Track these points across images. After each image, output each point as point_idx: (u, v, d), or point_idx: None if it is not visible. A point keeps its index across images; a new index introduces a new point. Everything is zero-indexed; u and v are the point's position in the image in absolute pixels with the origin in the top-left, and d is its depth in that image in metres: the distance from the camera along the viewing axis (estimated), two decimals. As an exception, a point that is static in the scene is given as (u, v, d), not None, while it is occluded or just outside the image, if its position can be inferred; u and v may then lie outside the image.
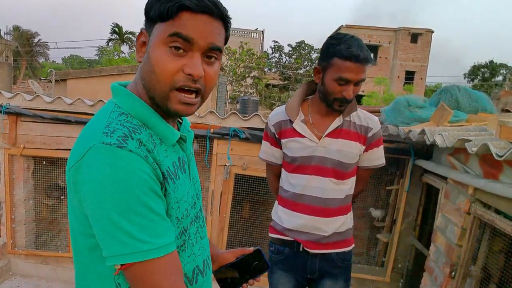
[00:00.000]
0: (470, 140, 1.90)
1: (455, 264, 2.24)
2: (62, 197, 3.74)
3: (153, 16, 0.81)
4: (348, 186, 1.77)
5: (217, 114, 3.37)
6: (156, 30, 0.81)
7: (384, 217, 3.49)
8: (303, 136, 1.72)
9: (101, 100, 3.39)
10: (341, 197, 1.75)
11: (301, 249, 1.76)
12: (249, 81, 26.16)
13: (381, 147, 1.82)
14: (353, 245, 1.85)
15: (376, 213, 3.48)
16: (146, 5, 0.83)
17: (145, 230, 0.75)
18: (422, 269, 2.70)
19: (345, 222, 1.78)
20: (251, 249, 1.18)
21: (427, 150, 3.05)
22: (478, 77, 43.75)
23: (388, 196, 3.47)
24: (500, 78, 41.20)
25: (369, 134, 1.74)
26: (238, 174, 3.41)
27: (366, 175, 1.88)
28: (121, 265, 0.75)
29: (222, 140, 3.32)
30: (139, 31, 0.87)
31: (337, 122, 1.71)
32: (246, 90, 25.94)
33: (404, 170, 3.25)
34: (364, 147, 1.75)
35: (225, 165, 3.35)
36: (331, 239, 1.75)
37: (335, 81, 1.57)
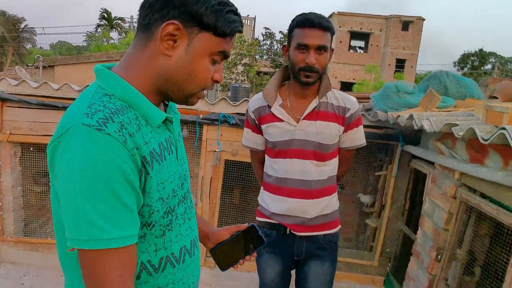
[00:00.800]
0: (457, 125, 1.92)
1: (441, 248, 2.28)
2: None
3: (206, 24, 0.83)
4: (330, 167, 1.78)
5: (206, 100, 3.35)
6: (205, 39, 0.85)
7: (373, 203, 3.53)
8: (281, 120, 1.73)
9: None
10: (323, 178, 1.76)
11: (287, 232, 1.77)
12: (240, 68, 26.02)
13: (361, 127, 1.83)
14: (339, 226, 1.87)
15: (365, 198, 3.52)
16: (194, 2, 0.81)
17: (106, 218, 0.73)
18: (409, 253, 2.75)
19: (329, 203, 1.79)
20: (246, 225, 1.19)
21: (415, 136, 3.07)
22: (468, 65, 44.06)
23: (376, 182, 3.50)
24: (489, 66, 41.52)
25: (347, 115, 1.75)
26: (228, 160, 3.41)
27: (348, 155, 1.89)
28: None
29: (212, 126, 3.30)
30: (170, 21, 0.80)
31: (313, 103, 1.72)
32: (237, 78, 25.82)
33: (392, 156, 3.28)
34: (343, 128, 1.76)
35: (215, 151, 3.34)
36: (317, 221, 1.77)
37: (296, 49, 1.64)
